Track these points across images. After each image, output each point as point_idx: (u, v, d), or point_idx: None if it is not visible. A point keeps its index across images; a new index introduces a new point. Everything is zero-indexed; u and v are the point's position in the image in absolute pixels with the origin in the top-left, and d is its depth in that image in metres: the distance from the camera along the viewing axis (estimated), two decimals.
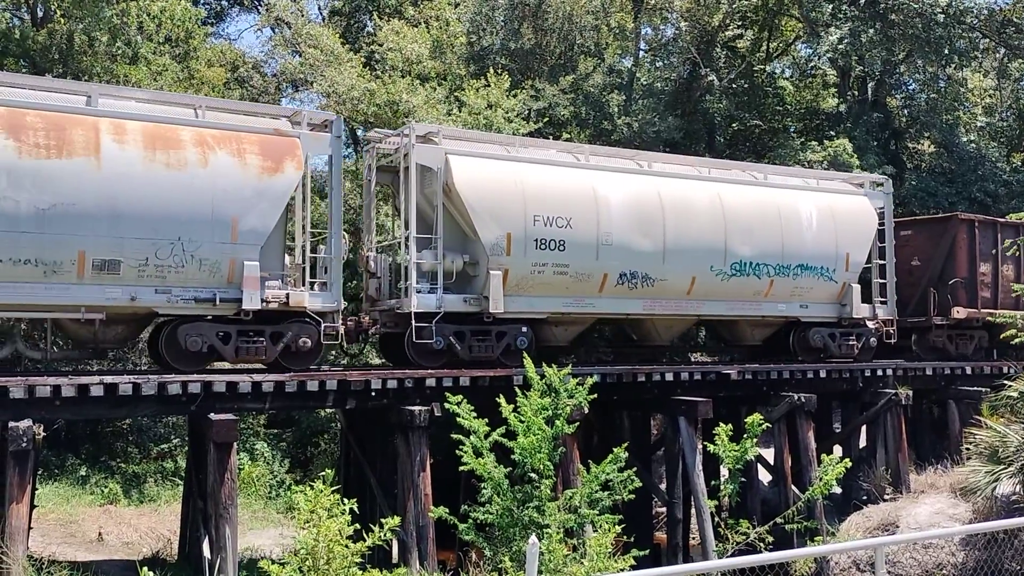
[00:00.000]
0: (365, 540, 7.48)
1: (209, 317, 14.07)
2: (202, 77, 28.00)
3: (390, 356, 18.10)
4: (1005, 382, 16.89)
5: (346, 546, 7.30)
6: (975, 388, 21.04)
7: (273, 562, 7.82)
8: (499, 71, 25.59)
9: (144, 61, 24.21)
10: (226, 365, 15.62)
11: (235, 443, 13.47)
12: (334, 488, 7.78)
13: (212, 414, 13.43)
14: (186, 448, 20.03)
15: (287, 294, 14.43)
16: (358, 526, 7.90)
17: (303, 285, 14.93)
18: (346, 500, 7.81)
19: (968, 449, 16.37)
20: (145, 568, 7.11)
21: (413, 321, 15.67)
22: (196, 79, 27.53)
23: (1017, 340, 16.64)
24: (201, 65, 28.80)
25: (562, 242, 16.68)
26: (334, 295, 15.08)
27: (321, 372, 15.85)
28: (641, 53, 35.67)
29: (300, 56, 29.49)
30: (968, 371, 22.01)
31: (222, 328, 14.20)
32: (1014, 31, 32.16)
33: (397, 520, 7.59)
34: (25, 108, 12.84)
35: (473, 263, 16.56)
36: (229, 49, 35.26)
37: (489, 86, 24.53)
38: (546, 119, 26.24)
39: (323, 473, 8.11)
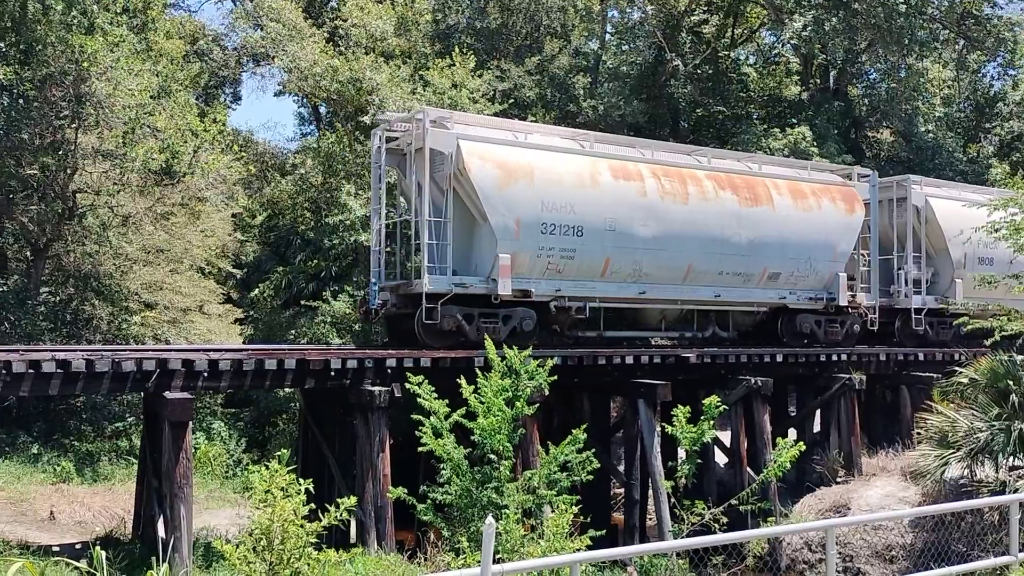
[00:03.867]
0: (321, 520, 7.43)
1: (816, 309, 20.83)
2: (160, 49, 27.37)
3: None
4: (956, 368, 17.25)
5: (301, 526, 7.25)
6: (927, 374, 21.47)
7: (228, 542, 7.74)
8: (464, 50, 25.40)
9: (101, 32, 23.59)
10: (184, 343, 15.39)
11: (190, 422, 13.31)
12: (290, 468, 7.72)
13: (167, 392, 13.25)
14: (141, 427, 19.76)
15: (854, 295, 21.43)
16: (314, 506, 7.84)
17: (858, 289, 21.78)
18: (302, 480, 7.74)
19: (919, 433, 16.70)
20: (97, 547, 6.99)
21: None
22: (154, 51, 26.92)
23: (968, 328, 16.98)
24: (159, 37, 28.15)
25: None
26: (872, 295, 22.11)
27: (279, 350, 15.70)
28: (607, 36, 35.63)
29: (261, 30, 28.98)
30: (920, 357, 22.45)
31: (818, 317, 21.28)
32: (973, 23, 32.67)
33: (354, 501, 7.55)
34: (731, 173, 20.07)
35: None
36: (189, 21, 34.54)
37: (454, 65, 24.33)
38: (511, 100, 26.12)
39: (278, 453, 8.03)
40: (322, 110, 32.78)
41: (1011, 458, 14.73)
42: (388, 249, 17.78)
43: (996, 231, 16.56)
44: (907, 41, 30.62)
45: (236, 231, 31.03)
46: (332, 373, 14.86)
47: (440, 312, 16.26)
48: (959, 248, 22.62)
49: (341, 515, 7.43)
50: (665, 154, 19.76)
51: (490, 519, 5.35)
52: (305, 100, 32.59)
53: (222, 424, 24.91)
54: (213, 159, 22.73)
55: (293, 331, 25.49)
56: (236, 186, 28.53)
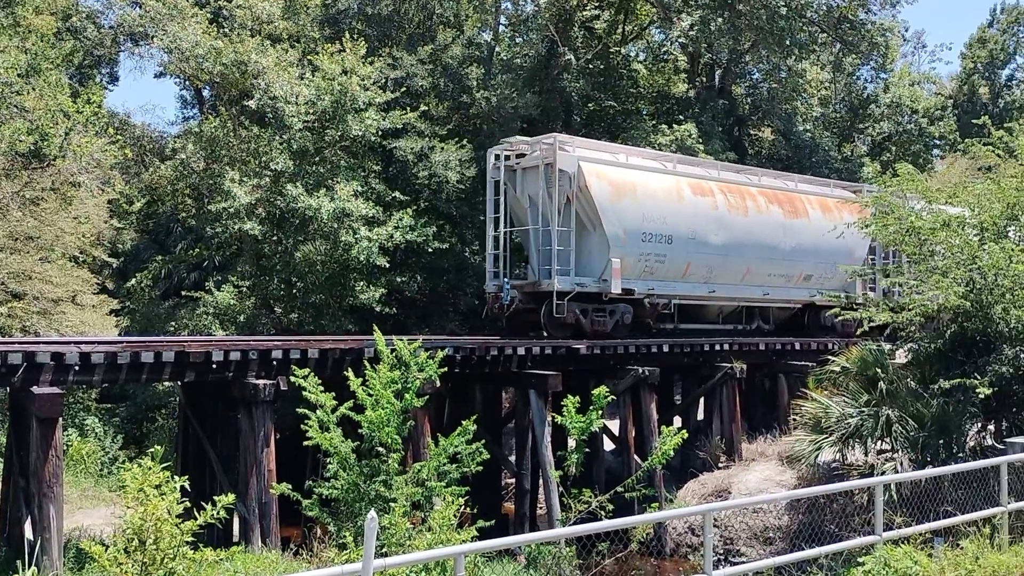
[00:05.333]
0: (197, 519, 7.14)
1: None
2: (29, 25, 25.79)
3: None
4: (829, 357, 18.05)
5: (176, 525, 6.94)
6: (803, 363, 22.42)
7: (100, 543, 7.35)
8: (355, 36, 24.90)
9: None
10: (55, 336, 14.58)
11: (60, 418, 12.63)
12: (164, 465, 7.38)
13: (35, 387, 12.53)
14: (7, 424, 18.62)
15: (865, 293, 23.25)
16: (188, 504, 7.53)
17: None
18: (177, 478, 7.41)
19: (795, 420, 17.40)
20: None
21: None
22: (22, 27, 25.34)
23: (840, 318, 17.78)
24: (28, 12, 26.52)
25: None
26: (877, 293, 23.26)
27: (157, 342, 15.06)
28: (501, 28, 35.64)
29: (140, 8, 27.67)
30: (797, 347, 23.42)
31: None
32: (849, 27, 34.20)
33: (232, 498, 7.27)
34: (775, 189, 23.69)
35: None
36: None
37: (344, 51, 23.82)
38: (404, 88, 25.78)
39: (151, 450, 7.67)
40: (205, 93, 31.60)
41: (879, 442, 15.51)
42: (503, 253, 20.70)
43: (866, 227, 17.38)
44: (787, 43, 31.83)
45: (112, 218, 29.58)
46: (214, 366, 14.36)
47: (565, 307, 19.30)
48: None
49: (218, 513, 7.14)
50: (728, 173, 23.45)
51: (372, 513, 5.24)
52: (187, 82, 31.31)
53: (96, 420, 23.79)
54: (86, 142, 21.59)
55: (173, 323, 24.53)
56: (113, 171, 27.19)
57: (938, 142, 51.33)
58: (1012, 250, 14.94)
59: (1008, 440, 13.03)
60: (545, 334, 20.00)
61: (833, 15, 33.86)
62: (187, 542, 7.20)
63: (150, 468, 7.24)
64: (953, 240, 15.88)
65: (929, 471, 11.88)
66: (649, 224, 20.38)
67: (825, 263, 23.70)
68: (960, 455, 14.63)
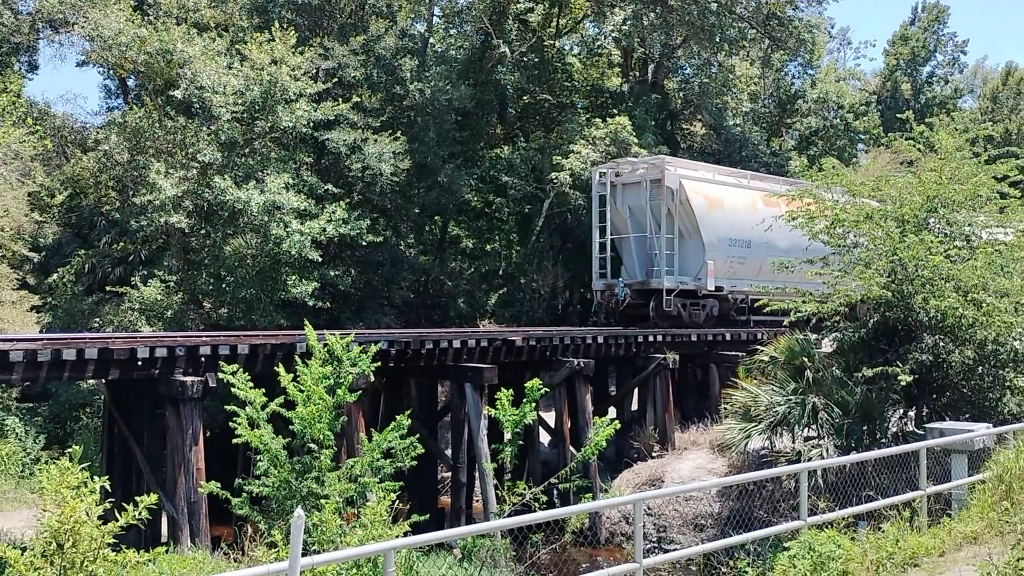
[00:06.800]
0: (119, 520, 6.92)
1: None
2: None
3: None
4: (758, 347, 18.41)
5: (97, 527, 6.72)
6: (733, 353, 22.85)
7: (15, 547, 7.07)
8: (285, 25, 24.43)
9: None
10: None
11: None
12: (83, 465, 7.13)
13: None
14: None
15: None
16: (108, 506, 7.29)
17: None
18: (96, 478, 7.17)
19: (725, 408, 17.71)
20: None
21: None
22: None
23: (768, 309, 18.13)
24: None
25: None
26: None
27: (79, 339, 14.59)
28: (435, 19, 35.42)
29: None
30: (728, 337, 23.86)
31: None
32: (777, 24, 34.89)
33: (155, 498, 7.07)
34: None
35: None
36: None
37: (274, 41, 23.36)
38: (335, 79, 25.40)
39: (70, 450, 7.40)
40: (130, 83, 30.68)
41: (806, 429, 15.90)
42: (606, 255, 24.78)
43: (793, 219, 17.76)
44: (718, 38, 32.33)
45: (33, 211, 28.55)
46: (139, 363, 13.99)
47: (672, 302, 23.11)
48: None
49: (140, 513, 6.94)
50: (787, 187, 25.00)
51: (298, 511, 5.15)
52: (111, 72, 30.33)
53: (17, 420, 22.97)
54: (4, 132, 20.78)
55: (97, 319, 23.79)
56: (33, 162, 26.24)
57: (862, 137, 52.80)
58: (932, 242, 15.42)
59: (927, 425, 13.48)
60: (653, 325, 23.86)
61: (762, 11, 34.51)
62: (109, 544, 6.97)
63: (68, 469, 6.99)
64: (876, 232, 16.32)
65: (852, 457, 12.20)
66: (734, 232, 24.22)
67: None
68: (883, 441, 15.09)
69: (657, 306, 23.62)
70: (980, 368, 15.46)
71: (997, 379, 15.52)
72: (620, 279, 24.44)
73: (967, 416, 14.82)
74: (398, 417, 11.92)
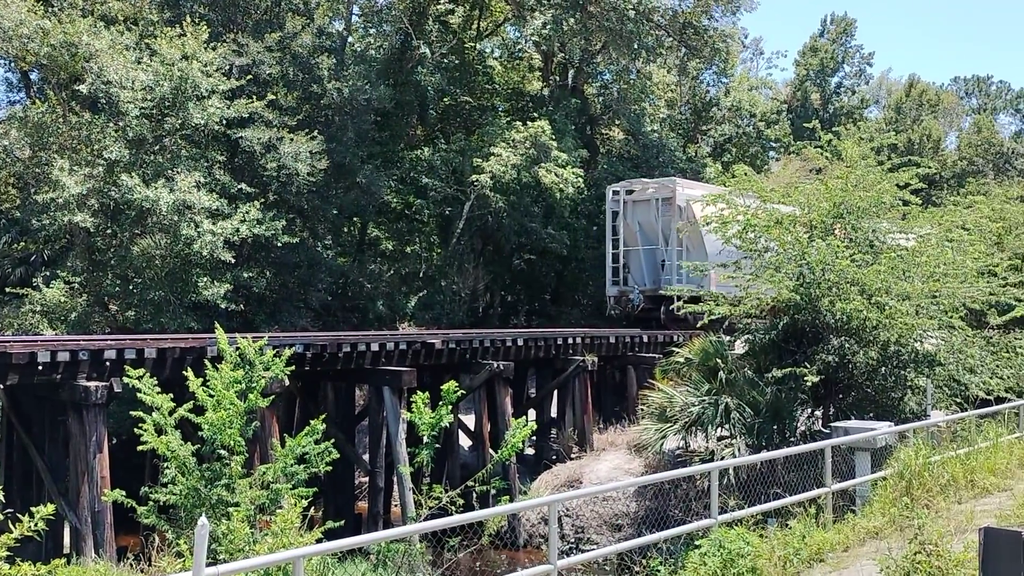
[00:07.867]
0: (13, 532, 6.58)
1: None
2: None
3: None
4: (674, 349, 18.74)
5: None
6: (651, 354, 23.22)
7: None
8: (197, 20, 23.77)
9: None
10: None
11: None
12: None
13: None
14: None
15: None
16: (2, 516, 6.93)
17: None
18: None
19: (642, 410, 17.96)
20: None
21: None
22: None
23: (683, 312, 18.49)
24: None
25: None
26: None
27: None
28: (354, 18, 35.00)
29: None
30: (645, 339, 24.23)
31: None
32: (693, 33, 35.64)
33: (51, 508, 6.75)
34: None
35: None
36: None
37: (185, 35, 22.70)
38: (250, 76, 24.83)
39: None
40: (32, 76, 29.40)
41: (719, 429, 16.23)
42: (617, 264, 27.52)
43: (707, 225, 18.15)
44: (636, 45, 32.84)
45: None
46: (40, 367, 13.40)
47: (680, 307, 23.01)
48: None
49: (36, 524, 6.61)
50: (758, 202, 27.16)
51: (202, 519, 4.98)
52: (12, 64, 29.02)
53: None
54: None
55: None
56: None
57: (774, 144, 54.37)
58: (838, 247, 15.94)
59: (833, 424, 13.92)
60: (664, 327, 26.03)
61: (678, 20, 35.20)
62: (2, 558, 6.63)
63: None
64: (785, 237, 16.80)
65: (761, 456, 12.50)
66: (729, 244, 25.85)
67: None
68: (792, 439, 15.53)
69: (667, 310, 25.94)
70: (883, 368, 16.05)
71: (899, 379, 16.14)
72: (635, 286, 27.15)
73: (871, 415, 15.36)
74: (312, 422, 11.72)
